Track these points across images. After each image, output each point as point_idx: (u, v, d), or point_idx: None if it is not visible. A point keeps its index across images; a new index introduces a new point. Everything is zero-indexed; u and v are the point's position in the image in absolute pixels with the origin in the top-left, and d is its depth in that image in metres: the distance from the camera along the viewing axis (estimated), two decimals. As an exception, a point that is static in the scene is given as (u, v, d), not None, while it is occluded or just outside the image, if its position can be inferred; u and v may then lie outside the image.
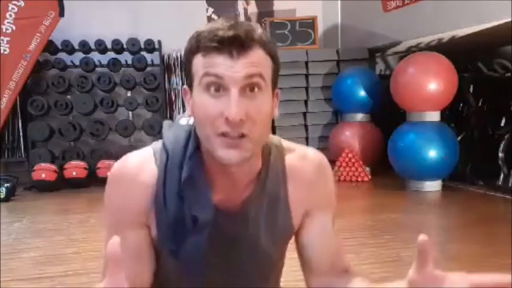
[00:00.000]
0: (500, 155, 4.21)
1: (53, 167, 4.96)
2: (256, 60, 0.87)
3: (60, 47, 5.47)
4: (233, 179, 0.96)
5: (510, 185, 4.15)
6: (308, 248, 1.04)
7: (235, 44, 0.85)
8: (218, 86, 0.86)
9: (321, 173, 1.05)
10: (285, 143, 1.06)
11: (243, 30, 0.86)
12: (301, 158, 1.04)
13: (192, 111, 0.91)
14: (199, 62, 0.87)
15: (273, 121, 5.40)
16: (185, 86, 0.94)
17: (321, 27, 6.03)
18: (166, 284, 1.06)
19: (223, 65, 0.85)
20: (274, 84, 0.93)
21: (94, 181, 4.92)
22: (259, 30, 0.89)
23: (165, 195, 0.94)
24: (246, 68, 0.85)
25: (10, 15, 5.03)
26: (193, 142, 0.96)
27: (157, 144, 1.00)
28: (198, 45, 0.87)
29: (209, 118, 0.86)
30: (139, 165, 0.97)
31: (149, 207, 0.95)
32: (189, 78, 0.91)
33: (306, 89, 5.47)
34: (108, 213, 0.99)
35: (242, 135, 0.86)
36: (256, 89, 0.87)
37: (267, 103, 0.89)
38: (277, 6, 6.30)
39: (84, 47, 5.49)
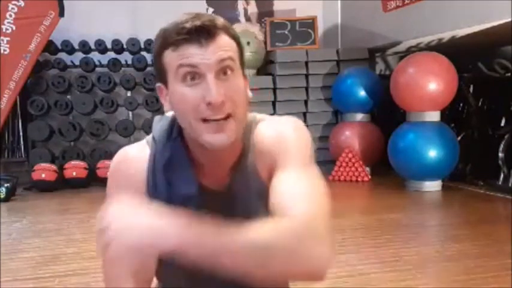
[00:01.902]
0: (500, 155, 4.21)
1: (53, 167, 4.96)
2: (224, 44, 0.92)
3: (60, 47, 5.47)
4: (218, 162, 1.00)
5: (510, 185, 4.15)
6: (270, 203, 0.96)
7: (202, 32, 0.90)
8: (194, 75, 0.90)
9: (279, 130, 1.02)
10: (259, 116, 1.08)
11: (207, 20, 0.91)
12: (266, 124, 1.05)
13: (172, 104, 0.96)
14: (170, 56, 0.92)
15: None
16: (159, 84, 0.98)
17: (321, 27, 6.03)
18: (166, 269, 1.07)
19: (195, 54, 0.90)
20: (242, 66, 0.97)
21: (94, 181, 4.92)
22: (220, 19, 0.95)
23: (155, 180, 1.00)
24: (216, 53, 0.90)
25: (10, 15, 5.03)
26: (176, 128, 1.01)
27: (150, 137, 1.07)
28: (166, 41, 0.92)
29: (191, 106, 0.91)
30: (137, 153, 1.04)
31: (145, 193, 1.01)
32: (161, 75, 0.96)
33: (306, 89, 5.47)
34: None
35: (228, 116, 0.90)
36: (229, 72, 0.92)
37: (241, 83, 0.95)
38: (277, 6, 6.30)
39: (84, 47, 5.49)
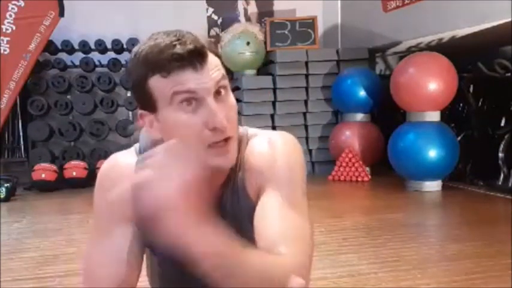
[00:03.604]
0: (500, 155, 4.21)
1: (53, 167, 4.96)
2: (215, 64, 0.89)
3: (60, 47, 5.47)
4: (208, 178, 0.97)
5: (510, 185, 4.15)
6: (255, 228, 0.96)
7: (195, 55, 0.85)
8: (190, 100, 0.86)
9: (270, 151, 0.98)
10: (250, 131, 1.04)
11: (193, 40, 0.87)
12: (258, 141, 1.01)
13: (166, 132, 0.90)
14: (160, 83, 0.86)
15: (273, 121, 5.36)
16: (142, 111, 0.93)
17: (321, 27, 6.03)
18: (158, 275, 1.08)
19: (191, 79, 0.85)
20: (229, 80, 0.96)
21: (94, 181, 4.90)
22: (200, 37, 0.90)
23: None
24: (212, 74, 0.87)
25: (10, 15, 5.03)
26: (160, 142, 0.97)
27: (138, 145, 1.05)
28: (153, 66, 0.86)
29: (193, 133, 0.87)
30: (126, 161, 1.01)
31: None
32: (147, 102, 0.90)
33: (306, 89, 5.46)
34: (97, 214, 1.03)
35: (228, 138, 0.88)
36: (223, 91, 0.89)
37: (233, 99, 0.93)
38: (277, 6, 6.30)
39: (84, 47, 5.49)
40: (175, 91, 0.85)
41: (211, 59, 0.89)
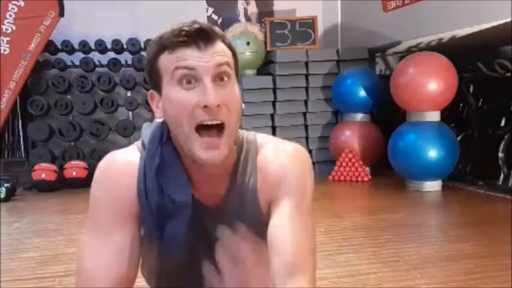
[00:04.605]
0: (500, 155, 4.21)
1: (53, 167, 4.96)
2: (222, 50, 0.91)
3: (60, 47, 5.47)
4: (207, 174, 0.98)
5: (510, 185, 4.15)
6: (268, 237, 0.98)
7: (201, 35, 0.89)
8: (190, 78, 0.89)
9: (287, 163, 1.01)
10: (260, 138, 1.06)
11: (206, 25, 0.91)
12: (273, 151, 1.03)
13: (165, 110, 0.93)
14: (166, 60, 0.90)
15: (273, 121, 5.36)
16: (151, 91, 0.96)
17: (321, 27, 6.03)
18: (158, 274, 1.08)
19: (193, 56, 0.88)
20: (237, 77, 0.97)
21: (94, 181, 4.90)
22: (217, 28, 0.94)
23: (146, 186, 0.97)
24: (214, 57, 0.89)
25: (10, 15, 5.03)
26: (166, 133, 0.99)
27: (139, 142, 1.05)
28: (163, 44, 0.91)
29: (186, 110, 0.89)
30: (127, 158, 1.01)
31: (135, 200, 0.98)
32: (155, 80, 0.94)
33: (306, 89, 5.46)
34: (95, 212, 1.01)
35: (221, 126, 0.89)
36: (225, 78, 0.91)
37: (237, 91, 0.94)
38: (277, 6, 6.30)
39: (84, 47, 5.49)
40: (176, 66, 0.89)
41: (221, 45, 0.92)
